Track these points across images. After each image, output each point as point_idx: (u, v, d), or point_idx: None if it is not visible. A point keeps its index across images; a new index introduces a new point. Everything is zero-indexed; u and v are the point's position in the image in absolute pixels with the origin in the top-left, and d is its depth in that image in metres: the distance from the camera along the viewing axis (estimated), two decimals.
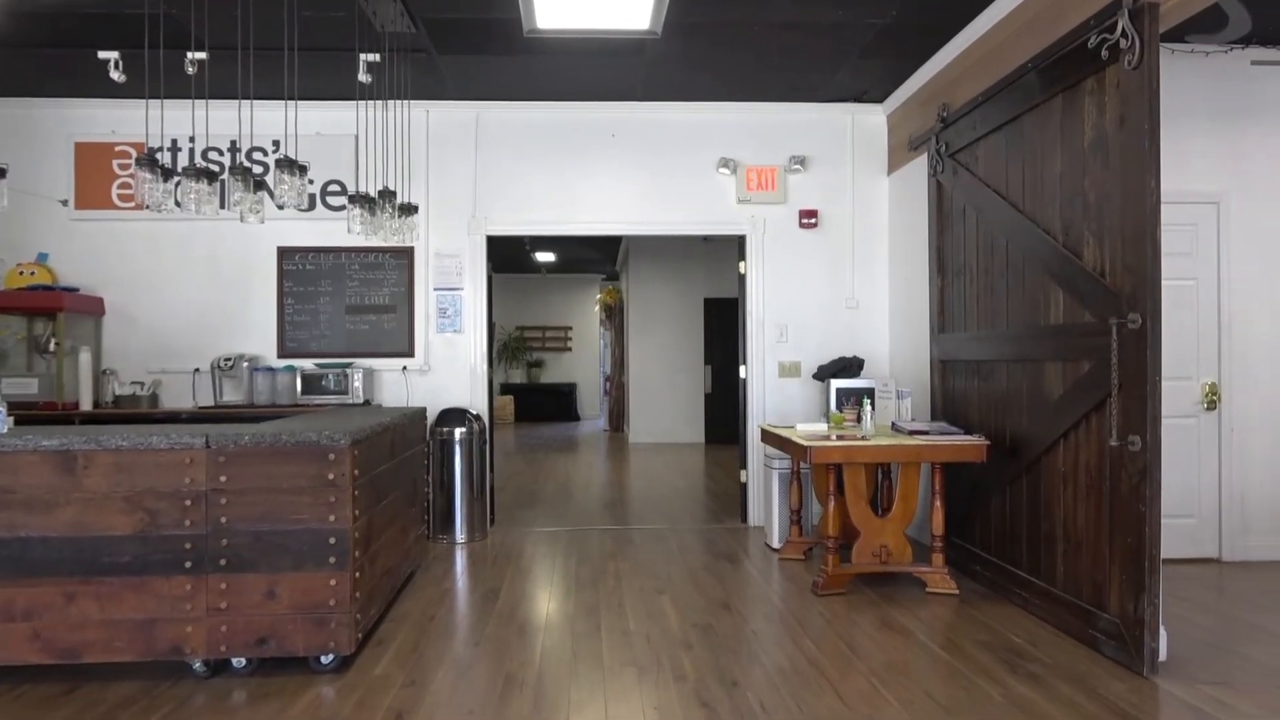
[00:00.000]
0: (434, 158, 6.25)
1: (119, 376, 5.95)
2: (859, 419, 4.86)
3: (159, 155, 3.83)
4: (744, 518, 6.47)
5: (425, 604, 4.39)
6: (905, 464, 4.65)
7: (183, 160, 5.98)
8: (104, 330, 6.07)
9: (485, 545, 5.77)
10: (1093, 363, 3.73)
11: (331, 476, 3.38)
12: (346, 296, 6.20)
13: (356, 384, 5.89)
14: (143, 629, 3.30)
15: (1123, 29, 3.44)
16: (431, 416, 5.97)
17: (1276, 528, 5.08)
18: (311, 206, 6.12)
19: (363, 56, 4.80)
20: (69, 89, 5.85)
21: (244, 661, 3.42)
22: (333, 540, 3.37)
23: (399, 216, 4.90)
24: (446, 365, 6.24)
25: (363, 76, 4.87)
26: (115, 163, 6.05)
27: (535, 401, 16.96)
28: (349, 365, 6.00)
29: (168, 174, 3.83)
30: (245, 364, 5.93)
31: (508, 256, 14.17)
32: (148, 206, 3.82)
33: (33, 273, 5.89)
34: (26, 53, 5.22)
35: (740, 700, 3.16)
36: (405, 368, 6.20)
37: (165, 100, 5.02)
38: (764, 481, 5.88)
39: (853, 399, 5.36)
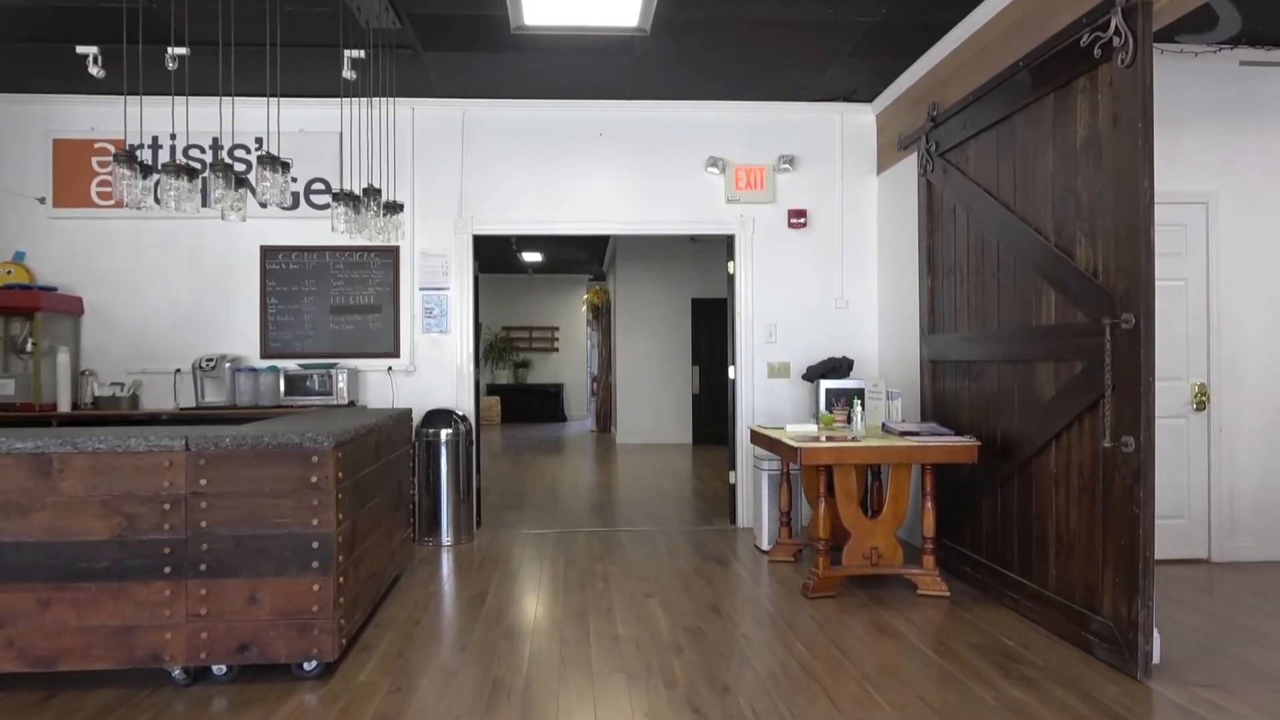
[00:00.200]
0: (420, 156, 6.18)
1: (98, 377, 5.85)
2: (849, 420, 4.83)
3: (139, 153, 3.76)
4: (733, 519, 6.42)
5: (411, 608, 4.33)
6: (896, 465, 4.62)
7: (164, 158, 5.88)
8: (83, 330, 5.97)
9: (472, 548, 5.71)
10: (1085, 363, 3.70)
11: (314, 479, 3.31)
12: (331, 296, 6.12)
13: (341, 385, 5.82)
14: (121, 636, 3.22)
15: (1116, 27, 3.42)
16: (417, 418, 5.90)
17: (1265, 528, 5.08)
18: (295, 205, 6.04)
19: (347, 53, 4.72)
20: (47, 84, 5.74)
21: (225, 669, 3.34)
22: (316, 544, 3.30)
23: (384, 215, 4.83)
24: (432, 366, 6.17)
25: (347, 73, 4.79)
26: (94, 160, 5.94)
27: (522, 402, 16.88)
28: (333, 366, 5.92)
29: (147, 171, 3.76)
30: (227, 364, 5.84)
31: (494, 256, 14.09)
32: (127, 204, 3.75)
33: (9, 271, 5.78)
34: (3, 47, 5.11)
35: (732, 706, 3.11)
36: (391, 368, 6.13)
37: (145, 97, 4.94)
38: (753, 483, 5.84)
39: (843, 400, 5.33)
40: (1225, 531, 5.06)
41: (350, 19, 4.69)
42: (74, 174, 5.94)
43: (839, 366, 5.90)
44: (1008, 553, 4.38)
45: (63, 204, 5.94)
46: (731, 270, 6.42)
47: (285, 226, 6.07)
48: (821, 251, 6.36)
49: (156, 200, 3.84)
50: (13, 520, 3.16)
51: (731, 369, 6.44)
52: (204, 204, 5.47)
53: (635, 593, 4.60)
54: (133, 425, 4.56)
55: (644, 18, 4.51)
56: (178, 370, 5.97)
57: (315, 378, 5.82)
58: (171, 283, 6.02)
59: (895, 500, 4.62)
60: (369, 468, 4.00)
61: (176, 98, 5.30)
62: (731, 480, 6.44)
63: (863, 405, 5.11)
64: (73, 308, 5.85)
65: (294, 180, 5.90)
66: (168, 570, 3.23)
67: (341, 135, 5.90)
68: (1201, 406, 5.06)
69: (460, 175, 6.20)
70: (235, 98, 4.73)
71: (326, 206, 6.00)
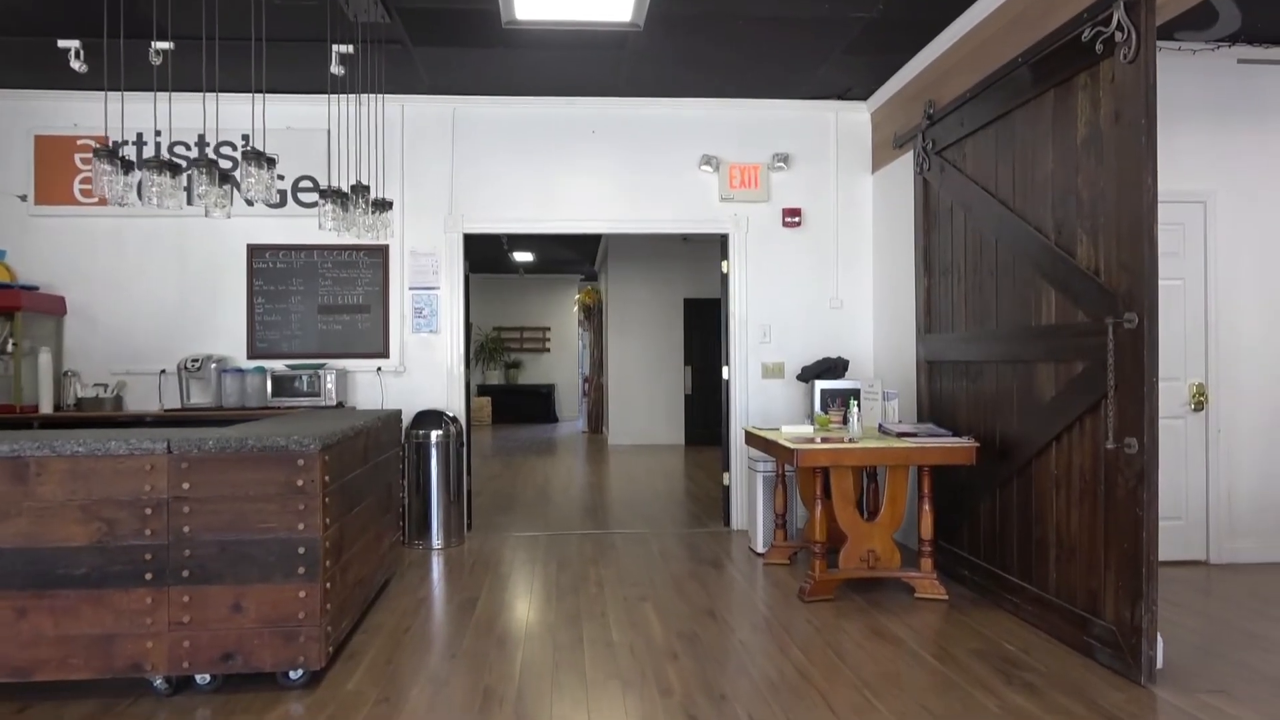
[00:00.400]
0: (409, 153, 6.09)
1: (81, 378, 5.74)
2: (845, 421, 4.77)
3: (123, 149, 3.66)
4: (727, 521, 6.35)
5: (400, 614, 4.24)
6: (893, 467, 4.55)
7: (148, 155, 5.77)
8: (65, 330, 5.85)
9: (463, 551, 5.62)
10: (1087, 363, 3.65)
11: (301, 483, 3.22)
12: (319, 296, 6.02)
13: (329, 386, 5.72)
14: (100, 645, 3.12)
15: (1118, 22, 3.36)
16: (407, 419, 5.81)
17: (1264, 529, 5.04)
18: (282, 203, 5.94)
19: (335, 48, 4.63)
20: (28, 80, 5.63)
21: (208, 678, 3.25)
22: (302, 550, 3.21)
23: (373, 213, 4.75)
24: (422, 366, 6.08)
25: (335, 69, 4.70)
26: (77, 157, 5.82)
27: (513, 403, 16.77)
28: (322, 366, 5.82)
29: (128, 166, 3.66)
30: (213, 365, 5.73)
31: (485, 256, 13.99)
32: (108, 200, 3.66)
33: None
34: None
35: (729, 714, 3.04)
36: (380, 369, 6.04)
37: (129, 92, 4.84)
38: (748, 484, 5.77)
39: (838, 400, 5.27)
40: (1223, 533, 5.02)
41: (338, 13, 4.60)
42: (56, 171, 5.83)
43: (834, 367, 5.84)
44: (1007, 555, 4.32)
45: (45, 201, 5.83)
46: (725, 270, 6.36)
47: (272, 225, 5.97)
48: (816, 251, 6.29)
49: (139, 197, 3.75)
50: None
51: (725, 369, 6.37)
52: (189, 201, 5.36)
53: (629, 597, 4.52)
54: (115, 427, 4.45)
55: (638, 12, 4.43)
56: (163, 371, 5.86)
57: (303, 378, 5.73)
58: (156, 282, 5.91)
59: (892, 502, 4.56)
60: (357, 470, 3.92)
61: (160, 94, 5.20)
62: (725, 482, 6.38)
63: (859, 406, 5.05)
64: (55, 307, 5.74)
65: (281, 177, 5.81)
66: (149, 577, 3.14)
67: (329, 132, 5.80)
68: (1199, 407, 5.01)
69: (450, 173, 6.11)
70: (220, 94, 4.63)
71: (314, 204, 5.89)
